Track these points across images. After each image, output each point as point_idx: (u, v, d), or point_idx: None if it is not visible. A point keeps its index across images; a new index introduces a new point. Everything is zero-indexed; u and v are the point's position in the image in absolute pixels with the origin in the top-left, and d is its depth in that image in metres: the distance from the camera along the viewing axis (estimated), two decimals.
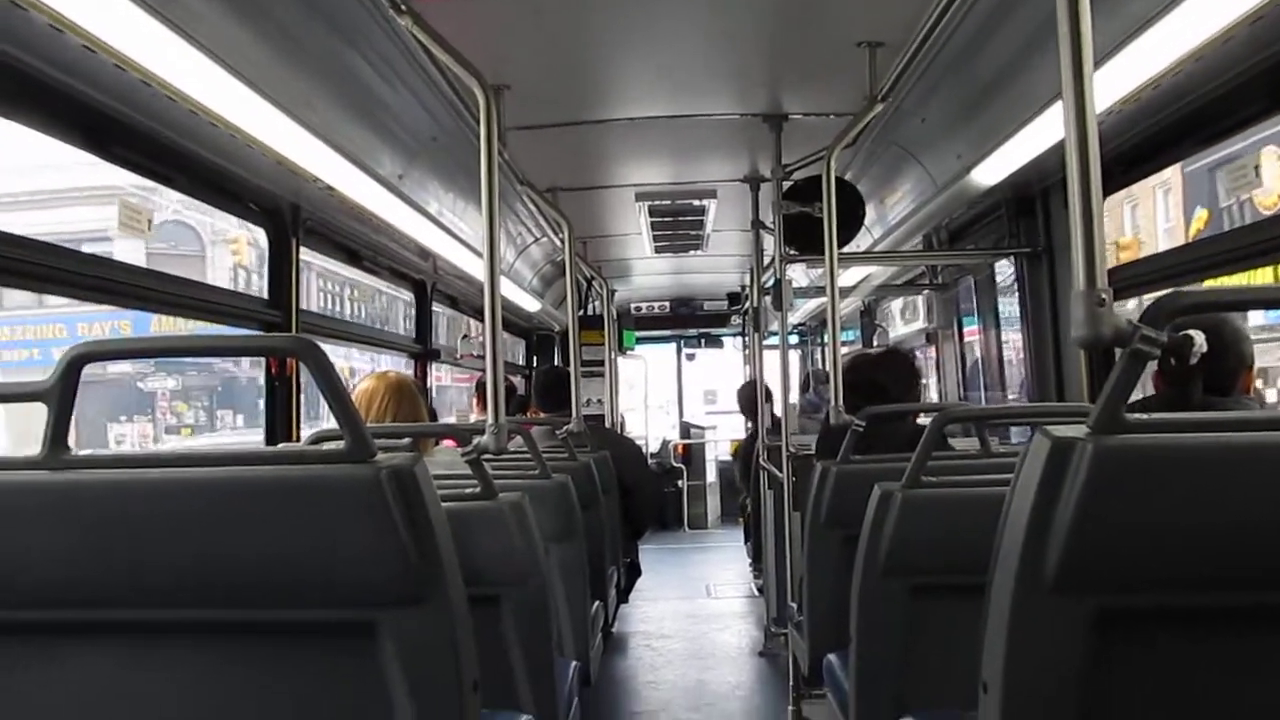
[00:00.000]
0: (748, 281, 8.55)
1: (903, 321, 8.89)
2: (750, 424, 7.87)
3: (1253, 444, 1.33)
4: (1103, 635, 1.36)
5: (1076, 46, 1.41)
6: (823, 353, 10.70)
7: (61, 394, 1.46)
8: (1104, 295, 1.36)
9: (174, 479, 1.46)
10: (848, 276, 6.92)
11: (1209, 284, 3.31)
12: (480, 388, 6.24)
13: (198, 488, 1.45)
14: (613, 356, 8.50)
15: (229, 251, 18.34)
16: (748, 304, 8.86)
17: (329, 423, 2.52)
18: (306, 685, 1.53)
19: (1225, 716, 1.39)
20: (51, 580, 1.47)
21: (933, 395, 6.82)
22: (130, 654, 1.53)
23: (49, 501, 1.46)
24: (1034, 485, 1.34)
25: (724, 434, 12.70)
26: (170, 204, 15.85)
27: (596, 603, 4.18)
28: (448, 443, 3.62)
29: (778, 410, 5.84)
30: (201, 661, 1.53)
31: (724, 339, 12.42)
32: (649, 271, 9.24)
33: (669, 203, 6.11)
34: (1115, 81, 2.81)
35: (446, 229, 4.81)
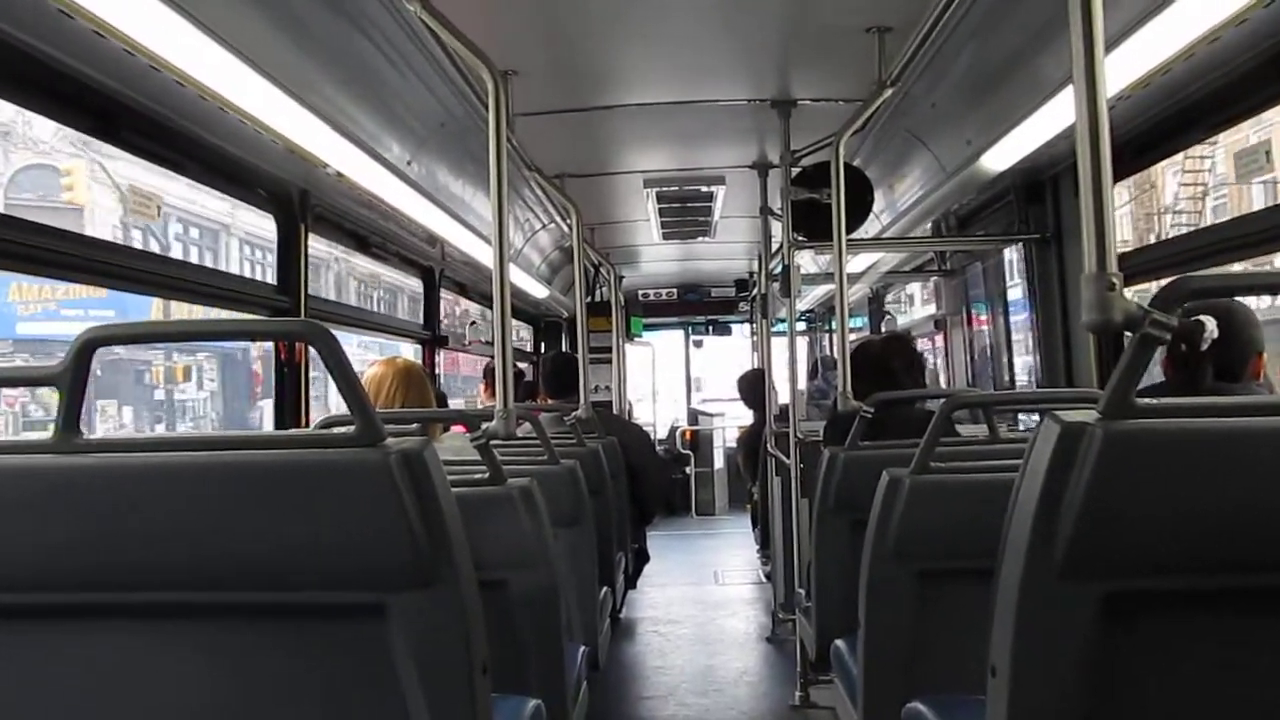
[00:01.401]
0: (756, 268, 8.54)
1: (911, 308, 8.88)
2: (755, 412, 7.86)
3: (1261, 429, 1.33)
4: (1111, 619, 1.36)
5: (1088, 31, 1.40)
6: (831, 339, 10.69)
7: (74, 378, 1.47)
8: (1114, 280, 1.36)
9: (186, 462, 1.46)
10: (856, 263, 6.91)
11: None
12: (489, 374, 6.26)
13: (209, 471, 1.46)
14: (620, 343, 8.49)
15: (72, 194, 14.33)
16: (756, 291, 8.86)
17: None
18: (318, 667, 1.53)
19: (1235, 699, 1.39)
20: (65, 564, 1.48)
21: (942, 381, 6.82)
22: (142, 637, 1.54)
23: (62, 485, 1.47)
24: (1043, 470, 1.35)
25: (728, 421, 12.71)
26: (41, 140, 13.92)
27: (605, 588, 4.19)
28: (457, 428, 3.63)
29: (781, 399, 5.84)
30: (213, 643, 1.54)
31: (732, 326, 12.40)
32: (657, 258, 9.24)
33: (677, 189, 6.10)
34: (1127, 66, 2.79)
35: (455, 215, 4.81)
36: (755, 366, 9.06)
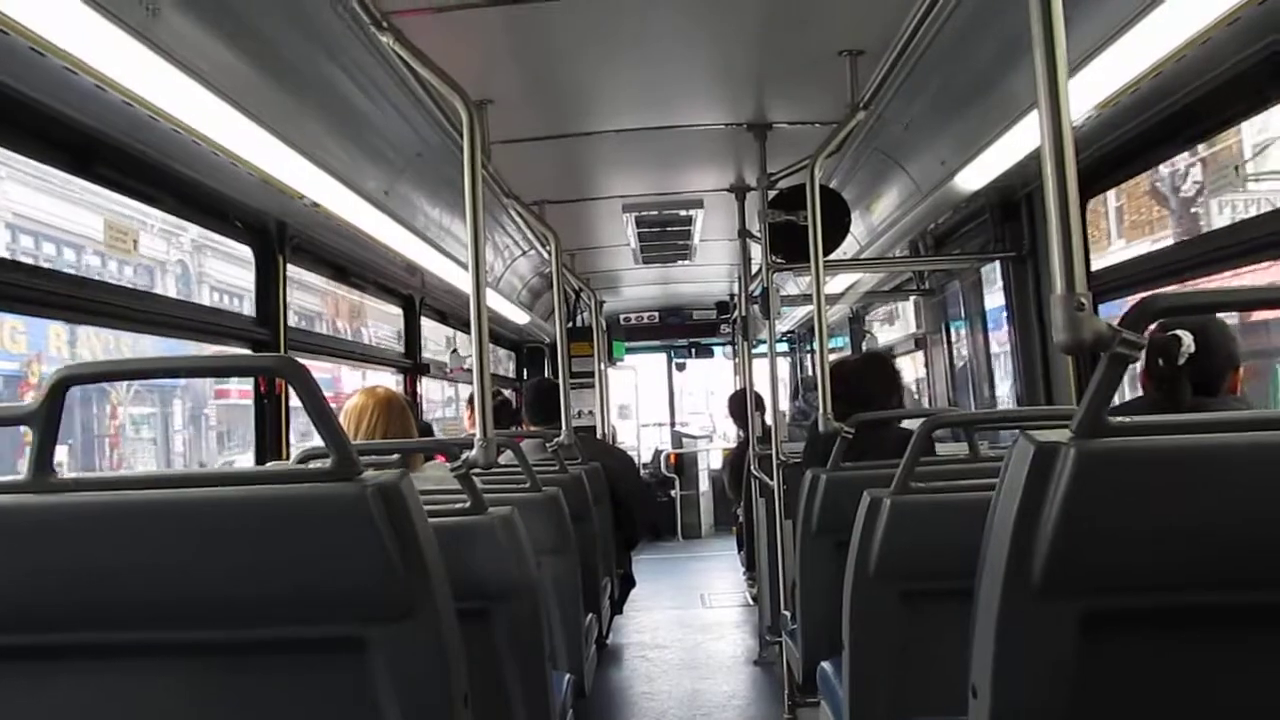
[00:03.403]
0: (736, 290, 8.56)
1: (892, 326, 8.91)
2: (741, 433, 7.88)
3: (1235, 444, 1.34)
4: (1089, 637, 1.37)
5: (1050, 52, 1.42)
6: (812, 360, 10.72)
7: (47, 417, 1.46)
8: (1083, 299, 1.37)
9: (160, 500, 1.45)
10: (835, 283, 6.94)
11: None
12: (471, 401, 6.24)
13: (184, 508, 1.45)
14: (602, 368, 8.48)
15: None
16: (736, 313, 8.89)
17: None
18: (297, 702, 1.52)
19: (1213, 716, 1.40)
20: (36, 604, 1.47)
21: (923, 400, 6.84)
22: (118, 676, 1.52)
23: (34, 524, 1.45)
24: (1019, 490, 1.35)
25: (713, 444, 12.74)
26: None
27: (590, 614, 4.17)
28: (439, 458, 3.61)
29: (769, 419, 5.85)
30: (191, 682, 1.53)
31: (714, 348, 12.42)
32: (637, 282, 9.26)
33: (656, 213, 6.12)
34: (1093, 86, 2.82)
35: (433, 244, 4.82)
36: (741, 387, 9.07)
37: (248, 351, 3.81)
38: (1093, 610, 1.36)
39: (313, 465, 1.57)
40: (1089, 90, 2.84)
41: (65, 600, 1.47)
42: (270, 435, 3.86)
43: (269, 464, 3.70)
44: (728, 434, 12.99)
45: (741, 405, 7.56)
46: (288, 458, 3.80)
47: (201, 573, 1.46)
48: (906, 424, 3.92)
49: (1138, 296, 1.35)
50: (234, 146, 2.90)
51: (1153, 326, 1.34)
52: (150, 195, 3.21)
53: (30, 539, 1.46)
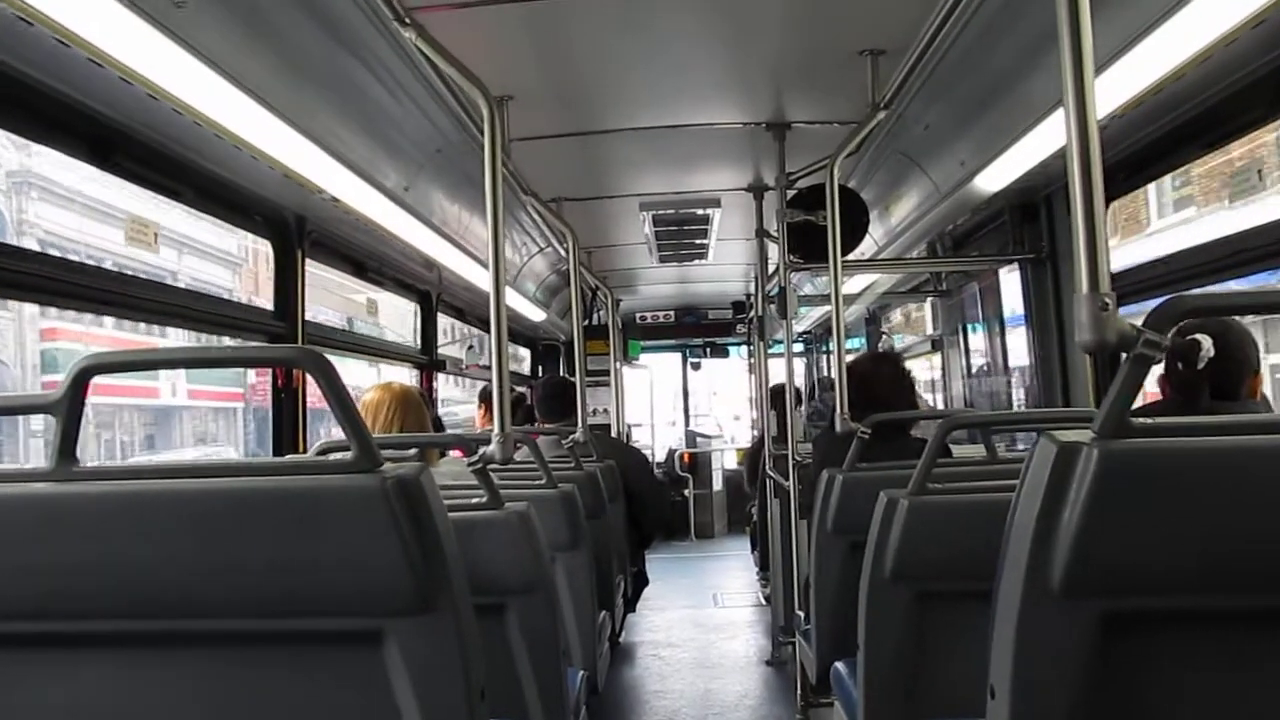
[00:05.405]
0: (753, 290, 8.55)
1: (908, 328, 8.89)
2: (757, 430, 7.87)
3: (1257, 447, 1.33)
4: (1109, 639, 1.36)
5: (1077, 53, 1.41)
6: (828, 360, 10.69)
7: (70, 406, 1.47)
8: (1107, 299, 1.36)
9: (182, 490, 1.46)
10: (852, 284, 6.92)
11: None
12: (485, 397, 6.26)
13: (206, 498, 1.46)
14: (618, 366, 8.48)
15: None
16: (753, 312, 8.87)
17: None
18: (314, 694, 1.53)
19: (1233, 718, 1.39)
20: (60, 592, 1.48)
21: (939, 402, 6.82)
22: (139, 665, 1.53)
23: (58, 513, 1.46)
24: (1040, 490, 1.35)
25: (725, 444, 12.75)
26: None
27: (603, 612, 4.18)
28: (455, 453, 3.62)
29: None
30: (210, 672, 1.53)
31: (729, 348, 12.40)
32: (654, 281, 9.25)
33: (673, 212, 6.12)
34: (1118, 87, 2.81)
35: (451, 240, 4.83)
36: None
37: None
38: (1113, 611, 1.36)
39: (332, 458, 1.57)
40: (1112, 92, 2.83)
41: (87, 589, 1.47)
42: (287, 429, 3.87)
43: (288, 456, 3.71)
44: (735, 437, 13.03)
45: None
46: (305, 450, 3.82)
47: (220, 562, 1.46)
48: (924, 423, 3.90)
49: (1157, 301, 1.34)
50: (255, 140, 2.91)
51: (1174, 329, 1.33)
52: (171, 188, 3.22)
53: (54, 528, 1.46)
